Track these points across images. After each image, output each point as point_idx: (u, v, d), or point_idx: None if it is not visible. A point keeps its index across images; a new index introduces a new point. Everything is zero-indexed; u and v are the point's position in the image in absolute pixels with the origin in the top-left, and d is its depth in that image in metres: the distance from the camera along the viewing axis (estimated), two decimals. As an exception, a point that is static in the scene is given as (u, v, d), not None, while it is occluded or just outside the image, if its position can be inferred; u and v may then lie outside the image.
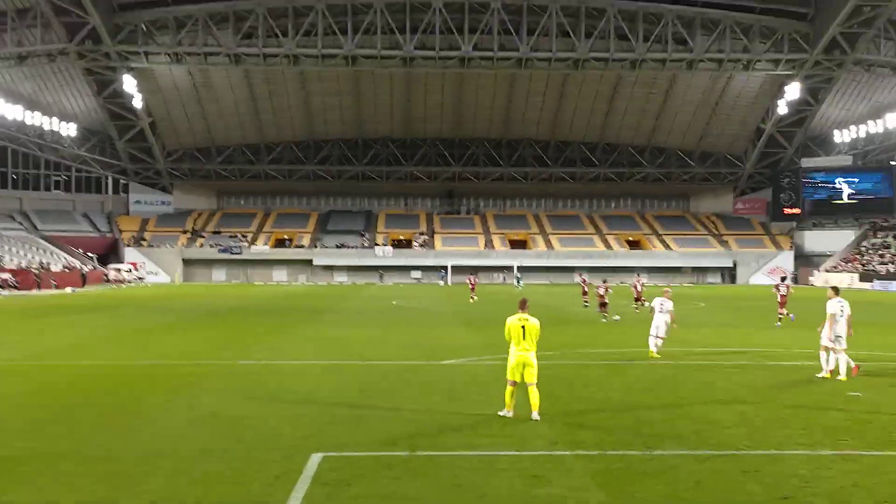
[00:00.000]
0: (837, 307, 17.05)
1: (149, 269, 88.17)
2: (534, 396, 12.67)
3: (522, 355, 12.69)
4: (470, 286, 51.24)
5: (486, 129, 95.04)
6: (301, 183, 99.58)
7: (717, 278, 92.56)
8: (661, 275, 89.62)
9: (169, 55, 75.33)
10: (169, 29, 73.23)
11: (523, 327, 12.75)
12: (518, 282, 79.74)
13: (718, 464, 9.98)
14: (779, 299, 31.84)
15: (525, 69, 78.28)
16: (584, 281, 45.94)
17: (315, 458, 10.01)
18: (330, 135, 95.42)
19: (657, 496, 8.58)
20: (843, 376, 16.68)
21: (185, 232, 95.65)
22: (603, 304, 34.36)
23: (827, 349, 17.18)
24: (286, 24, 72.63)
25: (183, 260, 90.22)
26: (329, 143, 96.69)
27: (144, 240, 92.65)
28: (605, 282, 36.40)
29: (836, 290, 17.60)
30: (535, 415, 12.60)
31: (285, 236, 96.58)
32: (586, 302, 42.32)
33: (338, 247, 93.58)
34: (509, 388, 12.78)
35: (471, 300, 47.71)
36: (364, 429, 11.91)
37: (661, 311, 20.97)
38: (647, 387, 15.97)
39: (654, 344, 20.75)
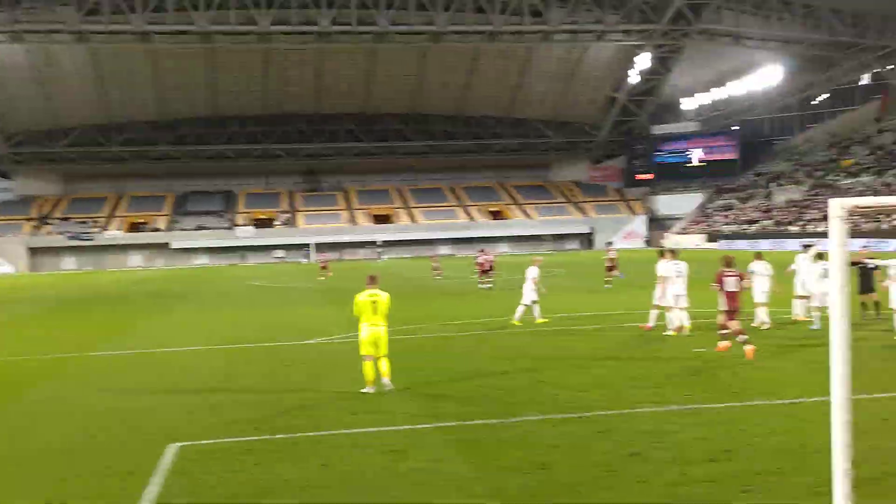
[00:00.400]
0: (672, 269, 18.13)
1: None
2: (385, 366, 12.87)
3: (375, 330, 12.82)
4: (321, 265, 51.39)
5: (347, 105, 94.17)
6: (155, 164, 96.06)
7: (575, 245, 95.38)
8: (522, 243, 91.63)
9: (6, 34, 70.82)
10: (4, 5, 68.81)
11: (374, 302, 12.88)
12: (380, 256, 79.97)
13: (574, 426, 10.32)
14: (607, 264, 33.89)
15: (384, 43, 77.93)
16: (433, 257, 49.84)
17: (172, 449, 9.73)
18: (184, 113, 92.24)
19: (515, 461, 8.79)
20: (686, 330, 17.98)
21: (29, 220, 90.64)
22: (484, 271, 36.11)
23: (662, 308, 18.43)
24: (133, 0, 69.51)
25: (29, 249, 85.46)
26: (184, 122, 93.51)
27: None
28: (482, 251, 37.84)
29: (672, 252, 18.89)
30: (387, 381, 12.83)
31: (140, 220, 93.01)
32: (437, 275, 44.77)
33: (196, 229, 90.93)
34: (367, 364, 12.85)
35: (321, 278, 47.57)
36: (225, 415, 11.67)
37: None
38: (508, 355, 16.33)
39: (519, 312, 21.36)
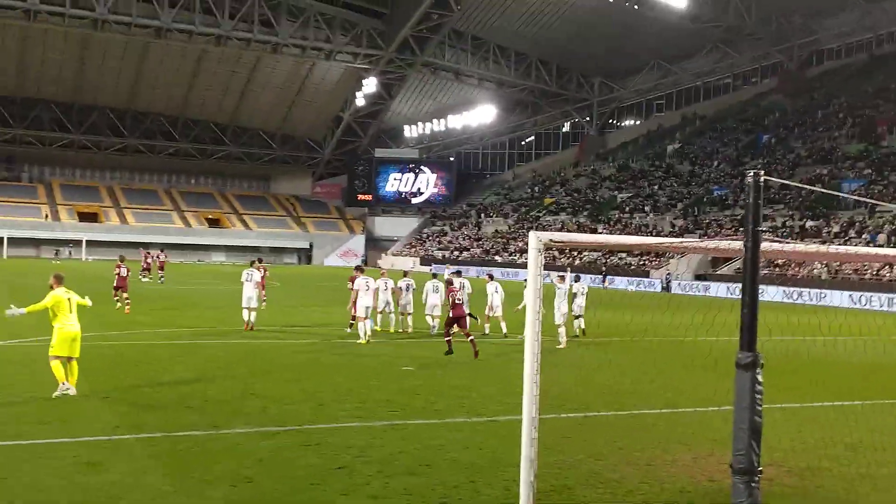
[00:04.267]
0: (363, 283, 20.30)
1: None
2: (76, 371, 12.57)
3: (74, 328, 12.45)
4: None
5: (55, 92, 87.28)
6: None
7: (294, 258, 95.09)
8: (239, 254, 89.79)
9: None
10: None
11: (69, 300, 12.51)
12: (56, 254, 75.92)
13: (282, 439, 10.30)
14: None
15: (102, 31, 73.36)
16: (147, 255, 48.47)
17: None
18: None
19: (220, 474, 8.62)
20: (363, 339, 20.04)
21: None
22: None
23: (361, 319, 20.36)
24: None
25: None
26: None
27: None
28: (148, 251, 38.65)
29: (360, 269, 21.49)
30: (73, 389, 12.39)
31: None
32: (143, 276, 44.41)
33: None
34: (57, 364, 12.31)
35: None
36: None
37: (248, 281, 22.40)
38: (219, 366, 15.97)
39: (246, 315, 22.28)
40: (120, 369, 15.09)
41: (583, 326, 22.44)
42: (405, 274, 23.89)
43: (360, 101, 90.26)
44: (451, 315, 18.34)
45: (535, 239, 6.90)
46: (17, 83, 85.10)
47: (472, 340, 17.91)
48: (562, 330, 20.27)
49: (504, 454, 9.67)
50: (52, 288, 12.54)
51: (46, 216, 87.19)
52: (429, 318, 22.59)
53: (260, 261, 24.79)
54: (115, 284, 27.25)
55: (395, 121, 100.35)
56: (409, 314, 22.93)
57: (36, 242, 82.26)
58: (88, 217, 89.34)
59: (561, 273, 22.73)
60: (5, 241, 79.26)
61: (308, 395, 13.24)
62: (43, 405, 11.70)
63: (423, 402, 13.08)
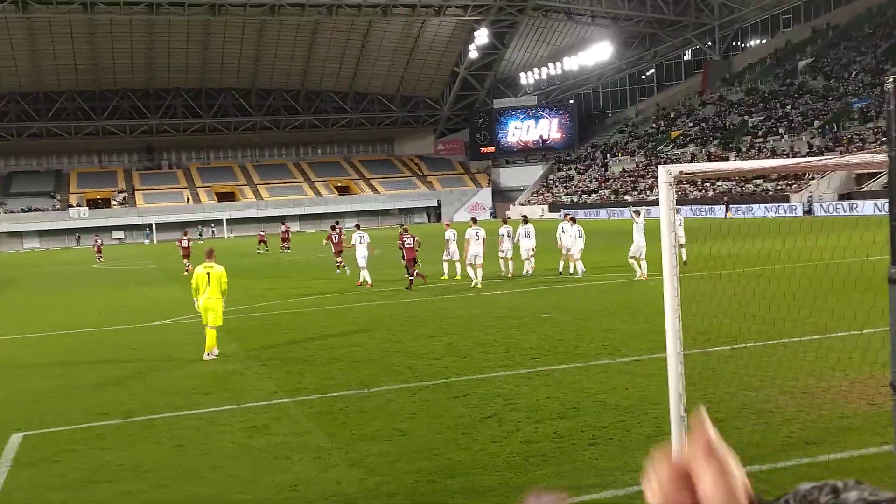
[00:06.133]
0: (473, 233, 22.18)
1: None
2: (211, 339, 13.71)
3: (206, 300, 13.62)
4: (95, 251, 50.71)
5: (183, 80, 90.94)
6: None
7: (423, 218, 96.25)
8: (370, 218, 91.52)
9: None
10: None
11: (208, 274, 13.65)
12: (200, 234, 79.91)
13: (430, 393, 10.59)
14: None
15: (219, 16, 75.66)
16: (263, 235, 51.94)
17: (15, 439, 9.32)
18: (4, 89, 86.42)
19: (374, 430, 8.96)
20: (479, 284, 21.90)
21: None
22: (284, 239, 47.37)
23: (472, 265, 22.32)
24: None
25: None
26: (4, 98, 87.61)
27: None
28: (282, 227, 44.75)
29: (475, 220, 23.80)
30: (207, 355, 13.69)
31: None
32: (283, 249, 48.40)
33: (25, 210, 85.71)
34: (210, 333, 13.77)
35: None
36: (71, 402, 11.25)
37: (361, 244, 24.41)
38: (362, 327, 16.48)
39: (361, 276, 24.40)
40: (272, 337, 15.80)
41: (684, 258, 21.91)
42: (504, 222, 25.62)
43: (473, 54, 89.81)
44: (404, 257, 22.57)
45: (664, 173, 6.77)
46: (148, 76, 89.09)
47: (411, 280, 22.50)
48: (643, 263, 20.91)
49: (651, 393, 9.63)
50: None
51: (188, 200, 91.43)
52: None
53: (358, 227, 26.94)
54: (182, 255, 33.87)
55: (511, 69, 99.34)
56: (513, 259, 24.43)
57: (181, 226, 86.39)
58: (226, 196, 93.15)
59: (636, 209, 23.53)
60: (153, 227, 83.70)
61: (451, 349, 13.51)
62: (208, 377, 12.43)
63: (566, 347, 13.13)
